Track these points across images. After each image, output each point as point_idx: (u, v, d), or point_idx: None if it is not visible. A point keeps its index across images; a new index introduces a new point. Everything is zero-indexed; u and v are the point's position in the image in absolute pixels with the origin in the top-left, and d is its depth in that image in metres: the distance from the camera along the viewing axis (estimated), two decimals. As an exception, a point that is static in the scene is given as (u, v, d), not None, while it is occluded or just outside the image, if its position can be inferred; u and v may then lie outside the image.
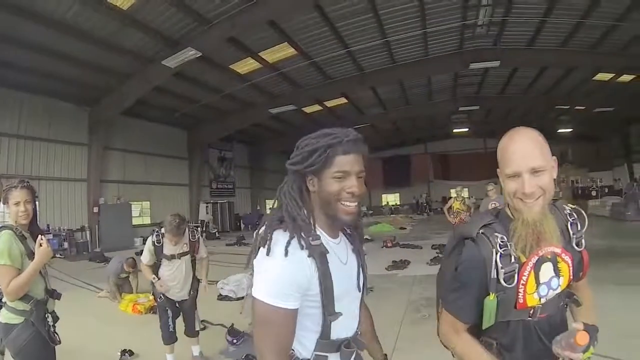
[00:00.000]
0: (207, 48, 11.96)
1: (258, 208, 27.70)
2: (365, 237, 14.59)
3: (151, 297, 5.50)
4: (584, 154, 29.32)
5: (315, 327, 1.23)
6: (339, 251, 1.29)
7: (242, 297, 6.82)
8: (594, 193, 24.68)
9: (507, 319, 1.32)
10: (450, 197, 10.27)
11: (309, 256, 1.15)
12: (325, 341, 1.24)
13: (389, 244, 12.65)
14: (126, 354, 4.52)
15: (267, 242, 1.16)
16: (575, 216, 1.42)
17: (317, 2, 10.82)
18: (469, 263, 1.33)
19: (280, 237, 1.17)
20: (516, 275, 1.27)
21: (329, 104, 19.93)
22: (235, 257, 12.47)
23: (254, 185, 28.84)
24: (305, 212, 1.24)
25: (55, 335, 2.56)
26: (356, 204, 1.24)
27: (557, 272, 1.32)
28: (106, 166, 17.39)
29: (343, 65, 15.56)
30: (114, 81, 14.18)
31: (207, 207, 22.77)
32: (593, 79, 17.03)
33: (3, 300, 2.43)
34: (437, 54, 15.29)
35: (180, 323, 4.10)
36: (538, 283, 1.30)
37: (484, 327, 1.34)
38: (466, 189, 30.83)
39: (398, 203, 35.46)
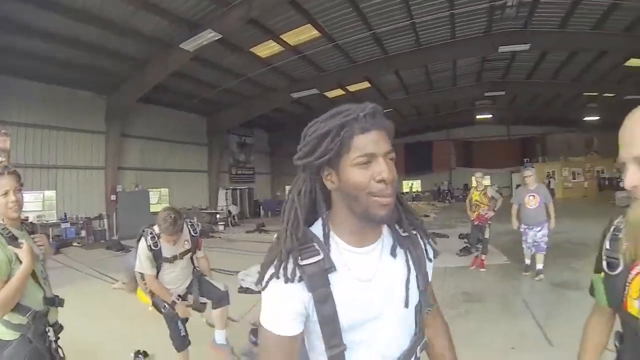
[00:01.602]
0: (227, 30, 11.46)
1: (278, 194, 27.46)
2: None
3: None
4: (610, 143, 28.32)
5: (323, 356, 0.97)
6: (362, 265, 0.99)
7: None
8: (621, 184, 24.08)
9: (620, 315, 1.18)
10: (472, 187, 9.31)
11: (299, 281, 0.92)
12: None
13: (414, 233, 12.28)
14: (140, 355, 4.19)
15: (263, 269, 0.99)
16: None
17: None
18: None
19: (276, 261, 0.96)
20: (619, 269, 1.13)
21: (352, 88, 19.40)
22: (256, 245, 12.20)
23: (274, 170, 28.89)
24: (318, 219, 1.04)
25: (58, 351, 2.20)
26: (391, 193, 0.93)
27: None
28: (124, 153, 17.31)
29: (368, 47, 15.00)
30: (131, 67, 13.89)
31: (226, 193, 22.61)
32: (625, 64, 16.22)
33: None
34: (464, 37, 14.66)
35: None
36: None
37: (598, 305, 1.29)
38: (487, 177, 30.09)
39: (419, 190, 35.14)
